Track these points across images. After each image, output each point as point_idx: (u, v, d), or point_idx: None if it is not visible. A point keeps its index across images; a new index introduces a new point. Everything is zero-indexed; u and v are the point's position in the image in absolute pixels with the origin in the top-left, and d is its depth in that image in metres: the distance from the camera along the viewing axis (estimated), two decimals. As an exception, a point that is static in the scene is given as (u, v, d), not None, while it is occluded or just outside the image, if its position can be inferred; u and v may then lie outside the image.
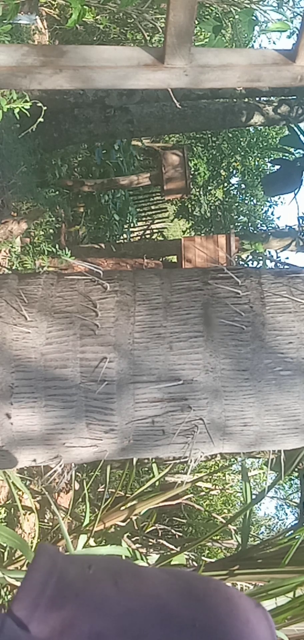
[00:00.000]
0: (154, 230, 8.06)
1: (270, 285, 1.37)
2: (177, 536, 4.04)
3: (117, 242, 6.75)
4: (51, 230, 4.72)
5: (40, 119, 2.88)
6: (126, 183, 5.55)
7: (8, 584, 2.21)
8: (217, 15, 3.61)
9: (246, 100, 5.31)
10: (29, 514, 3.00)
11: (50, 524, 3.18)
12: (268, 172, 8.31)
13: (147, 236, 7.85)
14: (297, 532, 2.11)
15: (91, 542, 2.23)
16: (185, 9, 0.89)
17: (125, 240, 7.22)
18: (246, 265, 5.71)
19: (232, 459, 4.43)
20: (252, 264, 5.82)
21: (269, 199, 9.62)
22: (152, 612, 0.50)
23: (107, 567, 0.57)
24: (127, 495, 2.61)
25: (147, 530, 2.74)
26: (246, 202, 9.57)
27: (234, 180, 9.78)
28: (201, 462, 1.58)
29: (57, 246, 3.79)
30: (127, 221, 6.84)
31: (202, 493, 5.08)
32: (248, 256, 5.77)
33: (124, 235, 7.21)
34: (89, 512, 2.36)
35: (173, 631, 0.49)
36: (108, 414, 1.28)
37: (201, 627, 0.50)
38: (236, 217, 9.25)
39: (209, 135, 8.77)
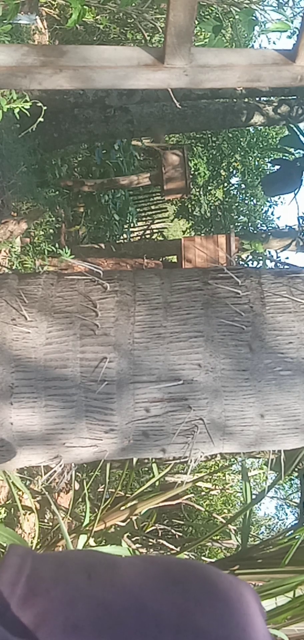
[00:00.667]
0: (154, 230, 8.06)
1: (270, 285, 1.37)
2: (177, 536, 4.03)
3: (117, 242, 6.75)
4: (51, 230, 4.72)
5: (40, 119, 2.88)
6: (126, 183, 5.55)
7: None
8: (217, 15, 3.60)
9: (246, 100, 5.31)
10: (29, 514, 3.00)
11: (50, 524, 3.17)
12: (268, 172, 8.31)
13: (147, 236, 7.84)
14: (297, 532, 2.11)
15: (91, 542, 2.23)
16: (185, 9, 0.89)
17: (125, 240, 7.22)
18: (246, 265, 5.71)
19: (232, 459, 4.43)
20: (252, 264, 5.82)
21: (269, 199, 9.62)
22: (128, 601, 0.49)
23: (80, 561, 0.56)
24: (127, 495, 2.61)
25: (147, 530, 2.74)
26: (246, 202, 9.57)
27: (234, 180, 9.78)
28: (201, 462, 1.58)
29: (57, 246, 3.79)
30: (127, 221, 6.84)
31: (203, 493, 5.08)
32: (248, 256, 5.77)
33: (124, 235, 7.21)
34: (89, 512, 2.36)
35: (150, 618, 0.48)
36: (108, 414, 1.28)
37: (179, 610, 0.48)
38: (236, 217, 9.25)
39: (209, 135, 8.77)
